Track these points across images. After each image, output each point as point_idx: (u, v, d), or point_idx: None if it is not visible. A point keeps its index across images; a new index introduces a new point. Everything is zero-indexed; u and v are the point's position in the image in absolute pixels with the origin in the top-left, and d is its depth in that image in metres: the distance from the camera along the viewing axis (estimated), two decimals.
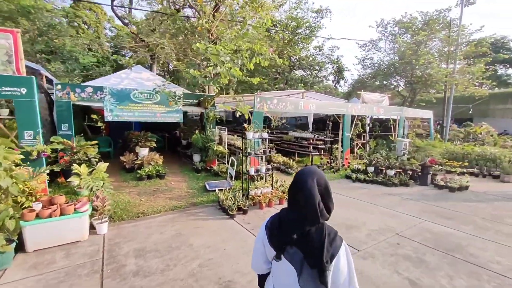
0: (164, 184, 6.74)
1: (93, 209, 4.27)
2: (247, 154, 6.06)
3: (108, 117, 6.85)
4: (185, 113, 9.76)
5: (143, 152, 8.06)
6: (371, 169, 8.44)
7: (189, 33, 9.29)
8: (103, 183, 4.86)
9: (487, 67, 15.76)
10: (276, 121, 10.84)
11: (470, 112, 18.23)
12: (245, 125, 6.10)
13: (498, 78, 22.52)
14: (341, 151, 9.81)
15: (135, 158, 7.67)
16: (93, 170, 5.26)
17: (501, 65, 23.61)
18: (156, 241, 3.95)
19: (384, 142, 12.43)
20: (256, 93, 8.11)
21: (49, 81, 8.05)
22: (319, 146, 10.51)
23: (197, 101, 8.11)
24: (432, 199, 6.23)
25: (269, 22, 7.13)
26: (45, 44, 13.97)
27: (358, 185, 7.61)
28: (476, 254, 3.65)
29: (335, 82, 17.96)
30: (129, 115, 7.16)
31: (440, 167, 9.51)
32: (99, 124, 10.75)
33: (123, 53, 17.01)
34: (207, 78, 5.88)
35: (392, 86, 18.11)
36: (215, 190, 6.43)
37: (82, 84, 7.32)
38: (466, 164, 9.43)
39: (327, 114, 10.90)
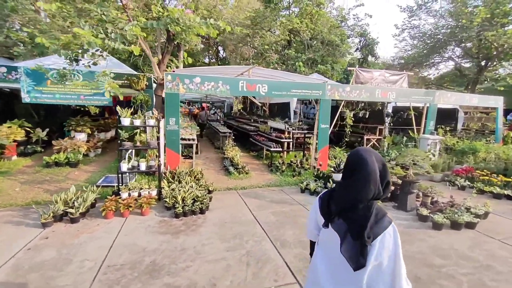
0: (65, 174, 6.07)
1: None
2: (121, 146, 4.75)
3: (26, 99, 6.47)
4: None
5: (79, 137, 7.62)
6: (337, 176, 5.95)
7: None
8: None
9: None
10: (262, 108, 9.00)
11: None
12: (118, 107, 4.76)
13: None
14: (315, 149, 7.38)
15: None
16: None
17: None
18: None
19: (404, 138, 9.03)
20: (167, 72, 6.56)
21: None
22: (299, 140, 8.26)
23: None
24: None
25: None
26: None
27: (299, 198, 5.39)
28: None
29: (362, 60, 14.09)
30: (49, 97, 6.66)
31: (466, 182, 6.14)
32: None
33: None
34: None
35: (449, 60, 13.15)
36: (106, 186, 5.45)
37: None
38: None
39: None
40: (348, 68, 8.50)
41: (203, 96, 17.56)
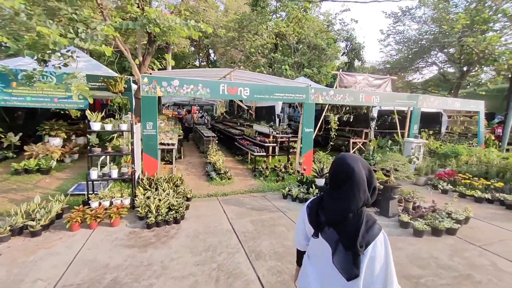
0: (34, 182, 5.71)
1: None
2: (91, 151, 4.47)
3: None
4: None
5: (54, 142, 7.24)
6: (320, 181, 5.84)
7: None
8: None
9: None
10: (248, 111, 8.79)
11: None
12: (88, 111, 4.49)
13: None
14: (300, 153, 7.27)
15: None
16: None
17: None
18: None
19: (389, 142, 9.04)
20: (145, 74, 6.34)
21: None
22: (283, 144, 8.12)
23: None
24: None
25: None
26: None
27: (281, 204, 5.23)
28: None
29: (348, 64, 14.17)
30: (19, 100, 6.29)
31: (449, 186, 6.14)
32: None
33: None
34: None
35: (433, 65, 13.41)
36: (78, 194, 5.15)
37: None
38: (500, 184, 5.81)
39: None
40: (332, 72, 8.46)
41: (191, 99, 17.30)
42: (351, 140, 9.82)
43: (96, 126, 4.50)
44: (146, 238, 3.67)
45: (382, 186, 4.71)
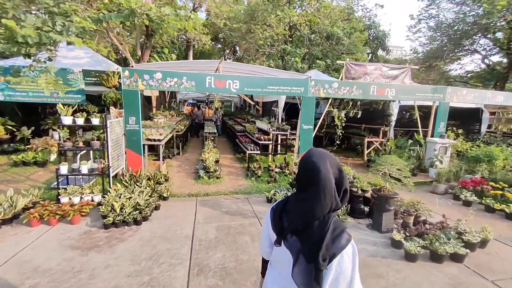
0: (28, 174, 5.91)
1: None
2: (61, 147, 4.40)
3: (0, 97, 6.52)
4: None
5: (56, 136, 7.52)
6: None
7: None
8: None
9: None
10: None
11: None
12: (60, 105, 4.41)
13: None
14: (297, 152, 6.61)
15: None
16: None
17: None
18: None
19: (408, 141, 7.90)
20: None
21: None
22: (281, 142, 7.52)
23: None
24: None
25: None
26: None
27: (261, 209, 4.70)
28: None
29: (371, 54, 12.63)
30: (22, 95, 6.63)
31: (473, 197, 5.05)
32: None
33: None
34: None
35: (474, 54, 11.46)
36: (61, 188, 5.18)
37: None
38: None
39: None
40: (337, 62, 7.52)
41: (205, 95, 17.27)
42: (366, 139, 8.82)
43: (67, 120, 4.43)
44: (97, 240, 3.45)
45: (375, 195, 3.93)
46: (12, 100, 6.60)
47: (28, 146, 6.76)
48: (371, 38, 12.85)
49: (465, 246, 3.22)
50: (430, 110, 7.83)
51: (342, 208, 4.19)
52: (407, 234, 3.48)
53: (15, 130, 7.78)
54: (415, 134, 7.89)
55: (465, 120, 10.66)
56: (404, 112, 7.99)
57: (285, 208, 1.15)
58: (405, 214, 3.91)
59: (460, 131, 7.66)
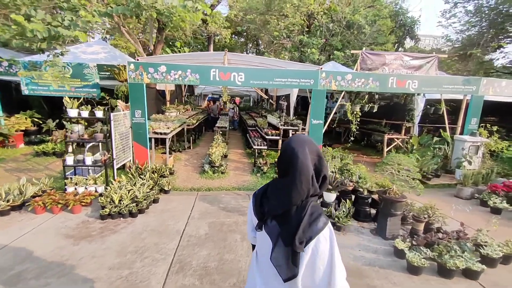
0: (47, 164, 6.29)
1: None
2: (67, 139, 4.58)
3: (25, 91, 7.00)
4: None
5: (75, 128, 7.92)
6: None
7: None
8: None
9: None
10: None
11: None
12: (66, 98, 4.56)
13: None
14: None
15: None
16: None
17: None
18: None
19: (433, 139, 7.17)
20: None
21: None
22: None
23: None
24: None
25: None
26: None
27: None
28: None
29: (397, 44, 11.48)
30: (44, 90, 7.08)
31: (503, 204, 4.42)
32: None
33: None
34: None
35: None
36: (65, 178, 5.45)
37: None
38: None
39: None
40: (352, 51, 6.95)
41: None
42: (386, 136, 8.19)
43: (72, 112, 4.58)
44: (91, 230, 3.53)
45: (381, 197, 3.57)
46: (36, 94, 7.05)
47: (49, 138, 7.21)
48: (397, 25, 11.81)
49: (483, 261, 2.79)
50: (460, 105, 7.02)
51: (345, 210, 3.89)
52: (414, 243, 3.10)
53: (41, 122, 8.35)
54: (441, 131, 7.14)
55: (504, 116, 9.49)
56: (428, 106, 7.24)
57: (265, 194, 1.17)
58: (416, 220, 3.50)
59: (495, 128, 6.78)
